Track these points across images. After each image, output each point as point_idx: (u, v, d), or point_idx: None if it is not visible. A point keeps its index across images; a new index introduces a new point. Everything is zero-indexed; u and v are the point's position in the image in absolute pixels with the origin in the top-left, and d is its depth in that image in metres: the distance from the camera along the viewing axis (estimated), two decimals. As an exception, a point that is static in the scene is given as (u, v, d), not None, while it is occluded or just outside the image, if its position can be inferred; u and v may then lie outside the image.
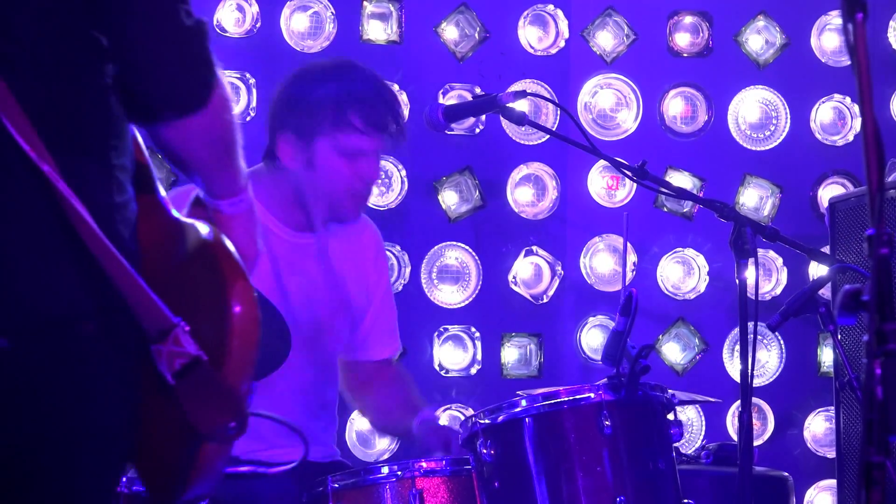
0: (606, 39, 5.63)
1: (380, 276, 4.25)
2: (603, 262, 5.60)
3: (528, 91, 4.34)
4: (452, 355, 5.48)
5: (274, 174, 3.98)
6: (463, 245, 5.50)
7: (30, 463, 2.26)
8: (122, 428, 2.32)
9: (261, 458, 3.84)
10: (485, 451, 3.51)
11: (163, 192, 2.45)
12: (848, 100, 5.72)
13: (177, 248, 2.38)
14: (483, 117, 5.44)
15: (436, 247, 5.49)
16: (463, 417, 4.45)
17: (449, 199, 5.51)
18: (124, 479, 2.65)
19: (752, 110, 5.70)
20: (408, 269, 5.43)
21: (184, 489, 2.32)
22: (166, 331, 2.26)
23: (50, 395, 2.25)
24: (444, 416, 5.31)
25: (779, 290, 5.62)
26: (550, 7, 5.56)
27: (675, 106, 5.68)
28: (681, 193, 4.22)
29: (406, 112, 5.36)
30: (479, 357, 5.48)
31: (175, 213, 2.44)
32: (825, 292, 4.82)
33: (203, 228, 2.38)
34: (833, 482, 5.26)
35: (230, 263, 2.33)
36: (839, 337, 4.13)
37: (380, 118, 3.93)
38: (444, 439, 3.93)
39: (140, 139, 2.47)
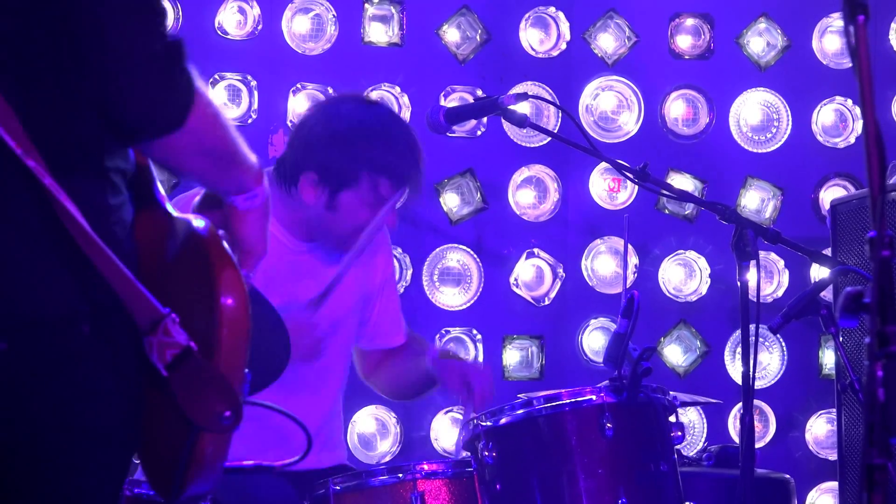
0: (608, 42, 5.63)
1: (386, 267, 4.24)
2: (604, 264, 5.60)
3: (530, 93, 4.35)
4: (454, 357, 5.48)
5: (289, 195, 3.95)
6: (464, 247, 5.50)
7: (31, 464, 2.27)
8: (123, 426, 2.33)
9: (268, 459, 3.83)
10: (486, 453, 3.51)
11: (161, 190, 2.46)
12: (849, 102, 5.72)
13: (171, 243, 2.39)
14: (484, 119, 5.44)
15: (437, 249, 5.49)
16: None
17: (450, 201, 5.51)
18: (126, 481, 2.65)
19: (754, 112, 5.70)
20: (409, 272, 5.43)
21: (184, 484, 2.32)
22: (156, 321, 2.27)
23: (48, 395, 2.25)
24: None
25: (780, 293, 5.61)
26: (552, 9, 5.56)
27: (676, 108, 5.68)
28: (682, 195, 4.22)
29: (407, 115, 5.36)
30: (480, 359, 5.47)
31: (170, 208, 2.45)
32: (827, 294, 4.81)
33: (197, 222, 2.39)
34: (835, 484, 5.26)
35: (220, 255, 2.33)
36: (840, 339, 4.13)
37: (407, 177, 3.96)
38: (462, 378, 3.95)
39: None
